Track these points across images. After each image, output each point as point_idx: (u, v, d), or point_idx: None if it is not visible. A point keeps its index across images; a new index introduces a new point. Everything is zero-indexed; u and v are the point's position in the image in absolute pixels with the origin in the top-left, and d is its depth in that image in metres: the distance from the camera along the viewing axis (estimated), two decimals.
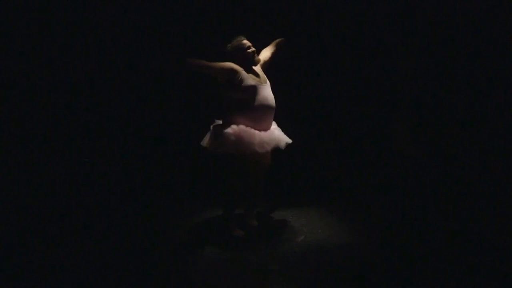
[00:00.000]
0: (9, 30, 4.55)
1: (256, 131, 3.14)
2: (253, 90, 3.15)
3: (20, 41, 4.59)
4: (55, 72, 4.72)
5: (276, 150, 3.24)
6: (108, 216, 3.82)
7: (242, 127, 3.11)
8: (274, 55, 3.54)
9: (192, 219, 3.77)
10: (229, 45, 3.29)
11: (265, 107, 3.18)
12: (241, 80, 3.14)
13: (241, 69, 3.19)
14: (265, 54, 3.50)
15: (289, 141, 3.31)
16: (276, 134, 3.26)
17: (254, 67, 3.29)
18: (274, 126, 3.36)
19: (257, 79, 3.23)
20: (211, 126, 3.34)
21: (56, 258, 2.94)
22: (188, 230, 3.50)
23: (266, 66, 3.47)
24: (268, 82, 3.30)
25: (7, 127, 4.60)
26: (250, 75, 3.22)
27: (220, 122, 3.30)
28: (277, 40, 3.60)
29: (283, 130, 3.40)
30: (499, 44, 4.31)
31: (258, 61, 3.31)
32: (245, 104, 3.14)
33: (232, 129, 3.10)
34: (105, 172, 4.74)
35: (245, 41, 3.27)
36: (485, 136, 4.36)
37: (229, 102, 3.20)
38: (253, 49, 3.28)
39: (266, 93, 3.22)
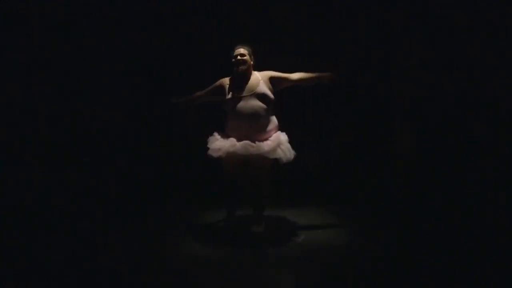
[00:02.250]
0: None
1: (225, 139, 3.28)
2: (229, 102, 3.27)
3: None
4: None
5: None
6: (108, 216, 3.83)
7: (217, 134, 3.35)
8: (302, 82, 3.39)
9: (192, 219, 3.78)
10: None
11: (239, 117, 3.23)
12: (225, 94, 3.32)
13: (227, 82, 3.33)
14: (294, 76, 3.35)
15: (264, 156, 3.19)
16: (250, 146, 3.17)
17: (246, 77, 3.28)
18: (275, 138, 3.27)
19: (238, 91, 3.25)
20: None
21: (55, 257, 2.95)
22: (187, 230, 3.51)
23: (280, 84, 3.34)
24: (255, 92, 3.23)
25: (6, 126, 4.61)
26: (233, 87, 3.28)
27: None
28: (325, 74, 3.37)
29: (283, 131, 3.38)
30: (499, 47, 4.31)
31: (242, 70, 3.26)
32: (227, 115, 3.33)
33: (213, 135, 3.38)
34: (107, 171, 4.75)
35: (237, 50, 3.30)
36: (484, 137, 4.36)
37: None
38: (239, 58, 3.27)
39: (243, 104, 3.22)
